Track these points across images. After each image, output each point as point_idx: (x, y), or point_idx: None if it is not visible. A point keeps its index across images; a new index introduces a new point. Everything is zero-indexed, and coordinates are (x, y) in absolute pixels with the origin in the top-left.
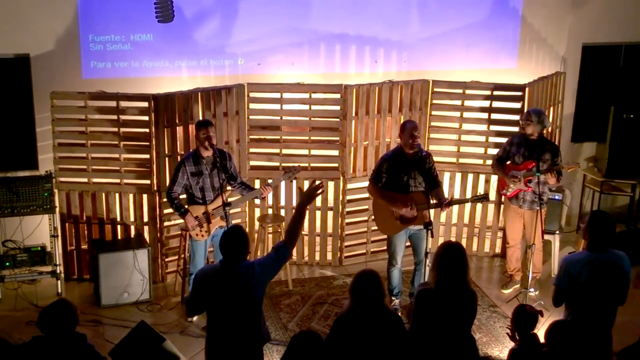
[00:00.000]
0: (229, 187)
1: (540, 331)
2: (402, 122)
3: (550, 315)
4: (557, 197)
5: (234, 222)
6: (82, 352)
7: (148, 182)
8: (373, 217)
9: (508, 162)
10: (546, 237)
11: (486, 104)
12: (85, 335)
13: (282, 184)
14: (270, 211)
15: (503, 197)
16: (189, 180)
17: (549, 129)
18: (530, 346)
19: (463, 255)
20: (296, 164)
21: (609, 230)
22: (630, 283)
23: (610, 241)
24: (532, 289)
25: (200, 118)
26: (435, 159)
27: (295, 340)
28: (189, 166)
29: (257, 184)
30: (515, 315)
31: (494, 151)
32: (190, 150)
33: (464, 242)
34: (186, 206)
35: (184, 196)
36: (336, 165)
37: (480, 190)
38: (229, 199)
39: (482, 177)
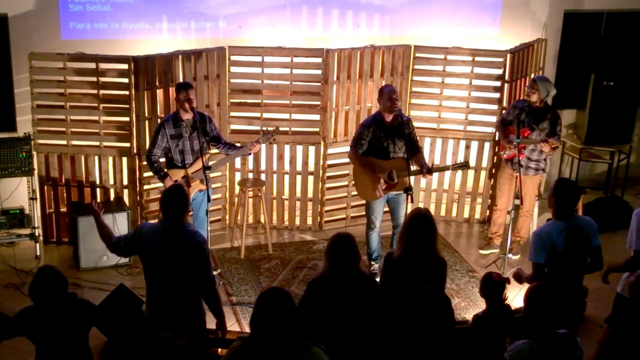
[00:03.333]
0: (215, 150)
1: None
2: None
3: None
4: None
5: (214, 186)
6: (77, 307)
7: (128, 145)
8: (353, 182)
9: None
10: None
11: (467, 69)
12: (75, 293)
13: (263, 147)
14: (250, 175)
15: (502, 159)
16: (169, 143)
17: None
18: (495, 313)
19: (431, 223)
20: (273, 127)
21: (574, 197)
22: (601, 246)
23: (574, 208)
24: (510, 254)
25: (181, 80)
26: (415, 124)
27: (262, 297)
28: (169, 129)
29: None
30: (482, 283)
31: (474, 117)
32: (171, 112)
33: (443, 208)
34: (165, 170)
35: (163, 160)
36: (317, 129)
37: (461, 156)
38: (210, 162)
39: (462, 143)
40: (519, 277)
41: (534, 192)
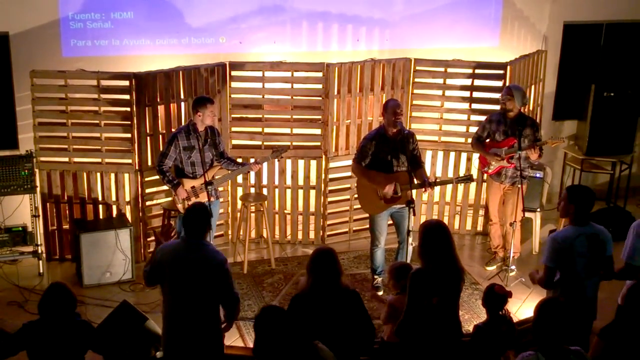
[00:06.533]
0: (215, 163)
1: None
2: (384, 100)
3: (532, 290)
4: (538, 175)
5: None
6: (78, 327)
7: (130, 161)
8: (357, 196)
9: (487, 140)
10: (527, 214)
11: (468, 82)
12: (78, 313)
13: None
14: (252, 190)
15: (485, 174)
16: (180, 154)
17: (529, 107)
18: (496, 325)
19: (447, 232)
20: (287, 143)
21: (591, 202)
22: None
23: (590, 212)
24: (512, 266)
25: (182, 97)
26: (417, 137)
27: (259, 319)
28: (182, 140)
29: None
30: (485, 295)
31: (476, 129)
32: (182, 125)
33: (445, 220)
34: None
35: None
36: (318, 143)
37: (462, 169)
38: (216, 177)
39: (464, 156)
40: (532, 278)
41: (520, 202)
